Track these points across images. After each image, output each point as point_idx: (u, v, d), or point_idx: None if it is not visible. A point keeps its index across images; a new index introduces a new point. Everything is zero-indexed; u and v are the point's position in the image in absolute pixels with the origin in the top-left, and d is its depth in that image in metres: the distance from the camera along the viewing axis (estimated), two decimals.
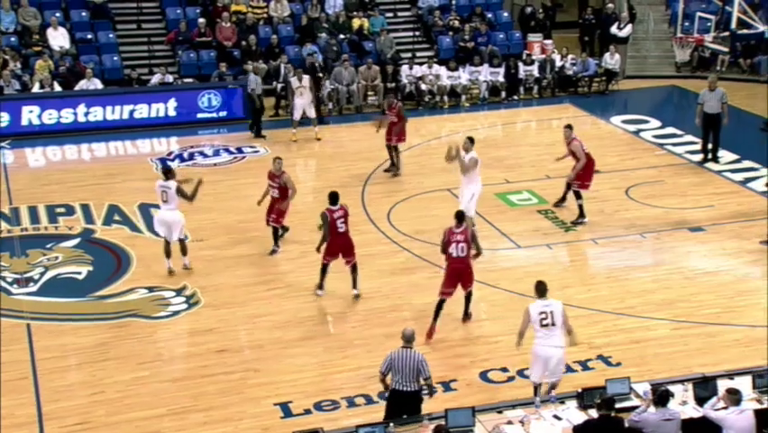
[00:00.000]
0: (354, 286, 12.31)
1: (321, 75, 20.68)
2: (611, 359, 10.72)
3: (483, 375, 10.49)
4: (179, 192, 12.73)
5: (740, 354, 10.66)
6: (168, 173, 13.03)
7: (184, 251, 13.04)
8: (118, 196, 15.75)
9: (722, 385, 8.66)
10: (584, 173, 14.50)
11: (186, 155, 18.10)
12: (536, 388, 9.53)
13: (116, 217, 14.98)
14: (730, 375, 9.07)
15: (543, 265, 13.31)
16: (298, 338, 11.36)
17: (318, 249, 12.15)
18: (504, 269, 13.11)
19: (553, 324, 9.39)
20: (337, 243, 12.07)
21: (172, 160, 17.80)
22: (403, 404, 8.74)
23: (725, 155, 17.33)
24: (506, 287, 12.52)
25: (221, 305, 12.21)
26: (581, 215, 14.55)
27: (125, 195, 15.79)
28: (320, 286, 12.37)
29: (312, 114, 18.82)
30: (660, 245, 13.86)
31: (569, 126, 14.79)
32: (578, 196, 14.56)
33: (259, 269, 13.21)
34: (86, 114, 19.49)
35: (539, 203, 15.27)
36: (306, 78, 18.70)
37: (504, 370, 10.55)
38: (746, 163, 16.99)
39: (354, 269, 12.26)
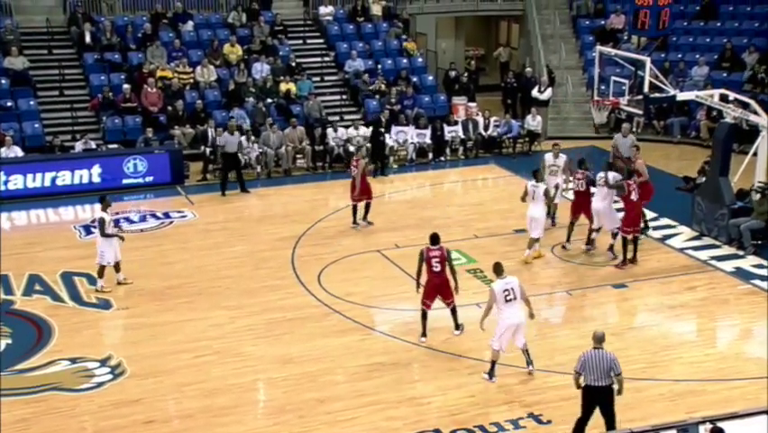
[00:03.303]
0: (456, 327, 12.69)
1: (383, 129, 21.18)
2: (542, 417, 10.80)
3: None
4: (99, 224, 14.18)
5: (665, 409, 10.87)
6: (101, 201, 14.50)
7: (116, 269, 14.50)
8: (39, 265, 15.35)
9: None
10: (644, 191, 15.64)
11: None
12: (494, 362, 11.51)
13: (37, 287, 14.56)
14: (656, 430, 9.22)
15: (473, 324, 13.40)
16: (228, 406, 11.13)
17: (417, 288, 12.58)
18: (433, 329, 13.11)
19: (515, 298, 11.24)
20: (433, 283, 12.43)
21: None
22: (597, 398, 9.66)
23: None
24: (436, 347, 12.56)
25: (148, 374, 11.91)
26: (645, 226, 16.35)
27: (47, 264, 15.40)
28: (423, 333, 12.63)
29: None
30: (586, 302, 14.15)
31: (636, 147, 17.01)
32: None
33: (185, 336, 12.97)
34: (6, 182, 19.04)
35: (468, 262, 15.44)
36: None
37: (436, 432, 10.51)
38: (664, 221, 17.58)
39: (454, 310, 12.64)
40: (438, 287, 12.47)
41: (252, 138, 20.79)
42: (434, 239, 12.58)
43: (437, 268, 12.34)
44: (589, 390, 9.70)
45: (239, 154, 19.73)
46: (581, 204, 15.86)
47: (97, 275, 14.35)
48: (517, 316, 11.35)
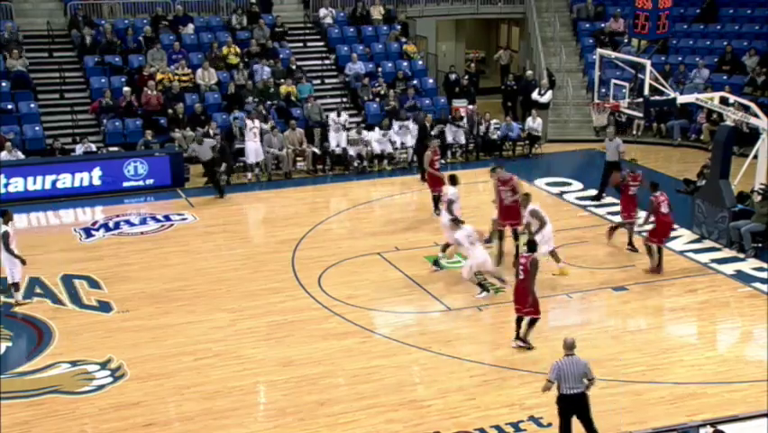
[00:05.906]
0: (517, 336, 12.52)
1: (431, 134, 21.02)
2: (542, 420, 10.78)
3: None
4: (3, 239, 13.51)
5: (665, 412, 10.86)
6: (3, 215, 13.74)
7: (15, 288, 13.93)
8: (39, 268, 15.32)
9: None
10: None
11: (111, 224, 17.78)
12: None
13: (37, 290, 14.56)
14: None
15: (473, 327, 13.42)
16: (229, 408, 11.13)
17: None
18: (435, 331, 13.16)
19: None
20: (516, 287, 12.59)
21: (97, 229, 17.49)
22: (573, 405, 9.69)
23: (643, 216, 17.87)
24: (437, 350, 12.54)
25: (148, 377, 11.91)
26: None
27: (47, 267, 15.38)
28: (516, 336, 12.61)
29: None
30: (586, 305, 14.14)
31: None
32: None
33: (186, 338, 12.96)
34: (6, 185, 19.03)
35: None
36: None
37: None
38: None
39: (532, 322, 12.50)
40: (517, 292, 12.58)
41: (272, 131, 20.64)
42: (530, 246, 12.60)
43: (521, 275, 12.45)
44: (564, 398, 9.69)
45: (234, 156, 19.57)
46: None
47: (14, 290, 14.01)
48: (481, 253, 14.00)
